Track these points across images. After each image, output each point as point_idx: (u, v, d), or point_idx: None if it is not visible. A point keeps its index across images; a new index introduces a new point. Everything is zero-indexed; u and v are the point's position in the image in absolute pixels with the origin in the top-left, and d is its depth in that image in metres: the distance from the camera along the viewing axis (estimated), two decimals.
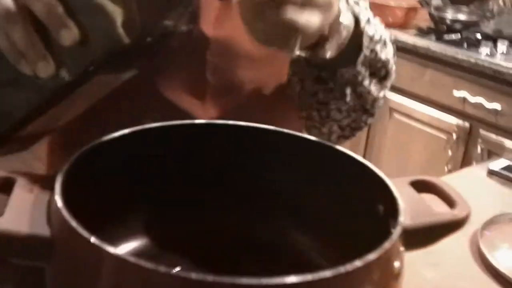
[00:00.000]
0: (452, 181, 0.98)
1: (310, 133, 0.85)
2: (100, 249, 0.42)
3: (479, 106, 2.15)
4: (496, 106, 2.10)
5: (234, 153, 0.65)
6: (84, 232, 0.43)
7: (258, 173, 0.64)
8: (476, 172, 1.07)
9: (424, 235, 0.51)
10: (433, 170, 2.22)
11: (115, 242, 0.62)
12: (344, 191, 0.59)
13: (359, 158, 0.57)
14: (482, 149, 2.16)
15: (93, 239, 0.42)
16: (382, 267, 0.45)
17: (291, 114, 0.84)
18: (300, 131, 0.69)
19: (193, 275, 0.39)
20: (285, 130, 0.62)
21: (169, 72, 0.76)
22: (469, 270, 0.76)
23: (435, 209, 0.52)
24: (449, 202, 0.54)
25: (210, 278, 0.39)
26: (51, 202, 0.48)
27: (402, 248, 0.48)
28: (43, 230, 0.46)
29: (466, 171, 1.06)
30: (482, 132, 2.16)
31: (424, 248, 0.51)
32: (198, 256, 0.63)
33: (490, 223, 0.84)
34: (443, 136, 2.27)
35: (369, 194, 0.56)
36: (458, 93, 2.20)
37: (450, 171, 2.18)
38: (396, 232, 0.46)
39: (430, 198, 0.56)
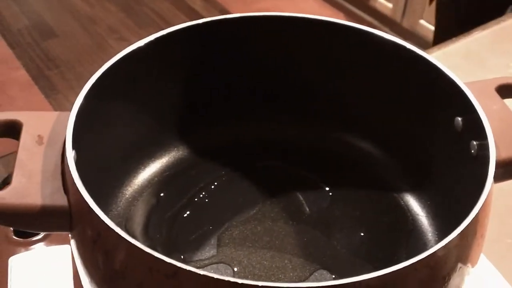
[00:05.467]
0: None
1: None
2: (118, 236, 0.33)
3: None
4: None
5: (292, 51, 0.53)
6: (103, 216, 0.34)
7: (311, 74, 0.53)
8: None
9: None
10: None
11: (151, 158, 0.54)
12: (415, 97, 0.48)
13: (435, 61, 0.45)
14: None
15: (112, 224, 0.33)
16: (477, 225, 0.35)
17: None
18: None
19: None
20: (348, 23, 0.49)
21: None
22: None
23: None
24: None
25: None
26: (64, 164, 0.38)
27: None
28: (59, 199, 0.38)
29: None
30: None
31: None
32: (259, 162, 0.55)
33: None
34: None
35: (445, 105, 0.44)
36: None
37: None
38: (487, 188, 0.35)
39: None
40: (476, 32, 0.84)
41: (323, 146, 0.56)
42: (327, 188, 0.53)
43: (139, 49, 0.47)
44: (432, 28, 1.81)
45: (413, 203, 0.51)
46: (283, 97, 0.55)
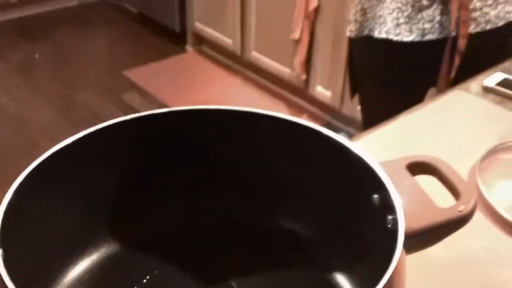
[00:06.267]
0: (441, 104, 0.94)
1: None
2: None
3: None
4: None
5: (219, 139, 0.58)
6: None
7: (244, 160, 0.58)
8: (468, 90, 0.99)
9: (425, 237, 0.45)
10: None
11: (82, 254, 0.56)
12: (336, 179, 0.53)
13: (348, 144, 0.50)
14: None
15: None
16: None
17: None
18: None
19: None
20: (273, 114, 0.55)
21: None
22: None
23: (436, 203, 0.46)
24: (452, 189, 0.47)
25: None
26: None
27: (404, 260, 0.42)
28: None
29: (456, 90, 0.99)
30: None
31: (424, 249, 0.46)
32: (190, 251, 0.59)
33: (488, 155, 0.78)
34: None
35: (363, 184, 0.49)
36: None
37: None
38: (397, 255, 0.40)
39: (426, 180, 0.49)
40: (404, 115, 0.92)
41: (254, 229, 0.60)
42: (259, 270, 0.56)
43: (66, 147, 0.51)
44: None
45: (344, 281, 0.54)
46: (209, 186, 0.59)
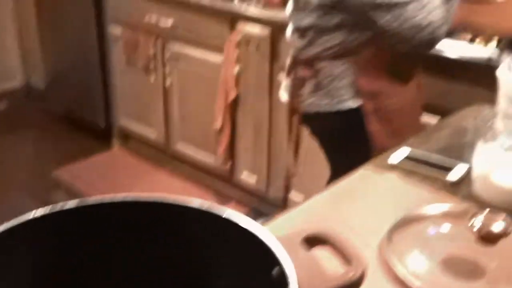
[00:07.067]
0: (350, 182, 0.98)
1: None
2: None
3: None
4: None
5: (122, 231, 0.58)
6: None
7: (147, 249, 0.58)
8: (374, 167, 1.03)
9: None
10: None
11: None
12: (238, 258, 0.54)
13: (247, 224, 0.51)
14: None
15: None
16: None
17: None
18: None
19: None
20: (167, 201, 0.56)
21: None
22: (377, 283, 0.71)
23: (329, 272, 0.47)
24: (344, 257, 0.48)
25: None
26: None
27: None
28: None
29: (363, 168, 1.02)
30: None
31: None
32: None
33: (396, 228, 0.80)
34: None
35: (262, 262, 0.50)
36: None
37: None
38: None
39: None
40: (315, 195, 0.94)
41: None
42: None
43: None
44: (300, 195, 1.97)
45: None
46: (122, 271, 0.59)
